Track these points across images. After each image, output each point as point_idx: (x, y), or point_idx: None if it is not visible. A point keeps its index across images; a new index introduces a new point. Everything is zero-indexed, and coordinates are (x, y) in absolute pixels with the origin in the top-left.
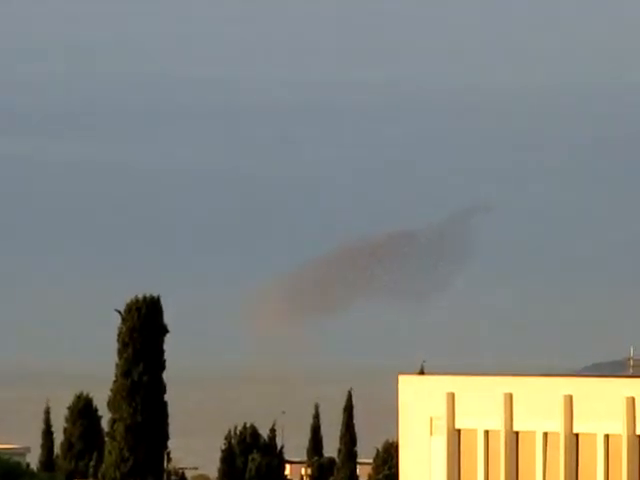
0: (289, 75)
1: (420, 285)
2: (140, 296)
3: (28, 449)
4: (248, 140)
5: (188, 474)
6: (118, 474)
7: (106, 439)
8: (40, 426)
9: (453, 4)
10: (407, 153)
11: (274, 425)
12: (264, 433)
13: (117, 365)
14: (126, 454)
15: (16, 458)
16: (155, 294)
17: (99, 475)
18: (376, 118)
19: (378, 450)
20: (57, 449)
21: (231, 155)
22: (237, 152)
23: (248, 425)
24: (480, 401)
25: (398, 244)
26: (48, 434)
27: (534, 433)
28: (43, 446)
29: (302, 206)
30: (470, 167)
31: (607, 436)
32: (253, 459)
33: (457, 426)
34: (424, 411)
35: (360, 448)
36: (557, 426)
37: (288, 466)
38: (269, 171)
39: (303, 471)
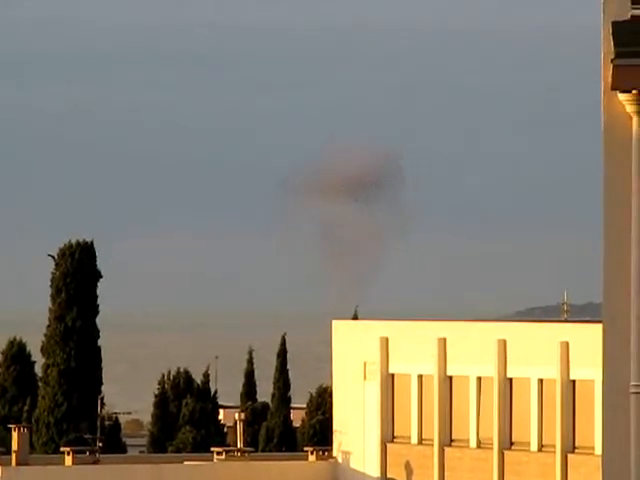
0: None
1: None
2: (74, 241)
3: None
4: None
5: (122, 419)
6: (52, 419)
7: (40, 384)
8: None
9: None
10: None
11: (208, 370)
12: (198, 378)
13: (50, 310)
14: (60, 399)
15: None
16: (89, 239)
17: (32, 420)
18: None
19: (312, 395)
20: None
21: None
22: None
23: (182, 370)
24: (414, 346)
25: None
26: None
27: (468, 378)
28: None
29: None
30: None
31: (541, 381)
32: (187, 404)
33: (391, 371)
34: (358, 356)
35: (294, 393)
36: (491, 371)
37: (222, 411)
38: (205, 122)
39: (237, 416)
